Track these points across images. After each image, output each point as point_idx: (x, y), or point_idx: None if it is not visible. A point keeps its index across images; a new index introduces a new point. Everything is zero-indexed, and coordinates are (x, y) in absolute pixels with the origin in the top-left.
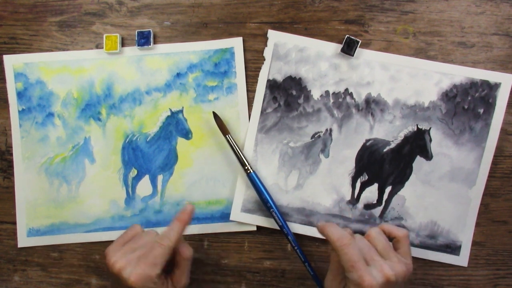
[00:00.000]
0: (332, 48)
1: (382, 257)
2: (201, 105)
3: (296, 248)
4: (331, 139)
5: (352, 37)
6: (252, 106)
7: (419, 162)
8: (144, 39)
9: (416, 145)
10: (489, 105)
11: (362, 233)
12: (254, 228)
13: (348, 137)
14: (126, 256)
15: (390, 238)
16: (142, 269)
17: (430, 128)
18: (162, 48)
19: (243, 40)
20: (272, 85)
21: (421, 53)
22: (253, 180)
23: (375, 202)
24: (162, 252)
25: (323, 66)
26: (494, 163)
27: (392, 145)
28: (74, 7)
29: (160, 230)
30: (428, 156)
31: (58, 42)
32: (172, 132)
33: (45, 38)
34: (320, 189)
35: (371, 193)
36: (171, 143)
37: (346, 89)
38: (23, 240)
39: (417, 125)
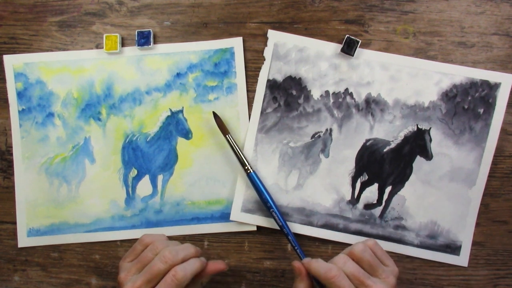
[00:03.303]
0: (332, 48)
1: (371, 274)
2: (201, 105)
3: (296, 248)
4: (331, 139)
5: (352, 37)
6: (252, 106)
7: (419, 162)
8: (144, 39)
9: (416, 145)
10: (489, 105)
11: (362, 233)
12: (254, 228)
13: (348, 137)
14: (134, 283)
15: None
16: None
17: (430, 128)
18: (162, 48)
19: (243, 40)
20: (272, 85)
21: (421, 53)
22: (253, 180)
23: (375, 202)
24: None
25: (323, 66)
26: (494, 163)
27: (392, 145)
28: (74, 7)
29: (160, 230)
30: (428, 156)
31: (58, 42)
32: (172, 132)
33: (45, 38)
34: (320, 189)
35: (371, 193)
36: (171, 143)
37: (346, 89)
38: (23, 240)
39: (417, 125)
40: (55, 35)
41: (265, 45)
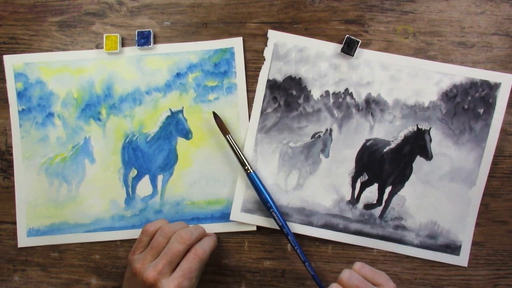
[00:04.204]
0: (332, 48)
1: None
2: (201, 105)
3: (296, 248)
4: (331, 139)
5: (352, 37)
6: (252, 106)
7: (419, 162)
8: (144, 39)
9: (416, 145)
10: (489, 105)
11: (362, 233)
12: (254, 228)
13: (348, 137)
14: (156, 267)
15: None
16: (179, 282)
17: (430, 128)
18: (162, 48)
19: (243, 40)
20: (272, 85)
21: (421, 53)
22: (253, 180)
23: (375, 202)
24: (199, 266)
25: (323, 66)
26: (494, 163)
27: (392, 145)
28: (74, 7)
29: None
30: (428, 156)
31: (58, 42)
32: (172, 132)
33: (45, 38)
34: (320, 189)
35: (371, 193)
36: (171, 143)
37: (346, 89)
38: (23, 240)
39: (417, 125)
40: (55, 35)
41: (265, 45)
